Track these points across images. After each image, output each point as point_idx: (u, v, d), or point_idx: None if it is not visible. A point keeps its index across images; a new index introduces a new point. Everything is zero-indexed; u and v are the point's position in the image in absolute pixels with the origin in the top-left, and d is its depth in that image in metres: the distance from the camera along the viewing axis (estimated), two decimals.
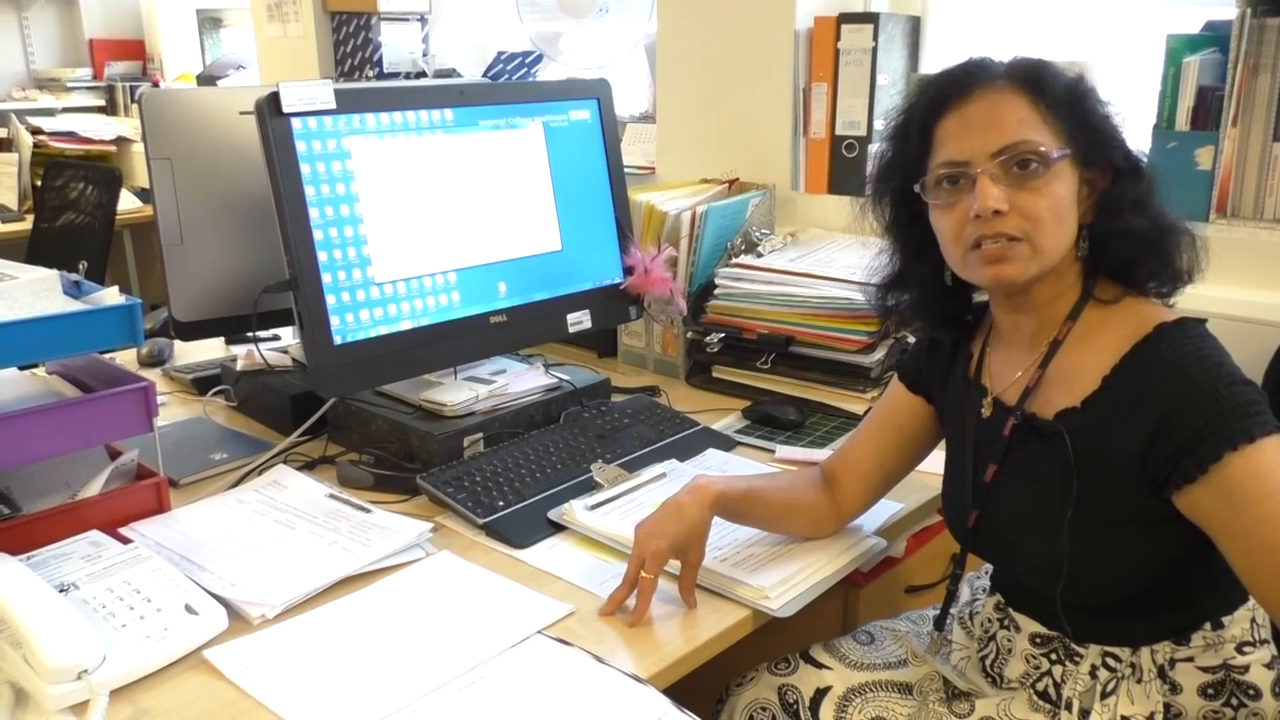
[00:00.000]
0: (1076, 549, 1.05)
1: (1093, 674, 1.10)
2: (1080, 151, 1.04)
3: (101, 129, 4.51)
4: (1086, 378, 1.06)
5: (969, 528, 1.17)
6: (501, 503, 1.35)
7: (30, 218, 4.07)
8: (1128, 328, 1.05)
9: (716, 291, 1.82)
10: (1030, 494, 1.11)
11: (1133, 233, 1.05)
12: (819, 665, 1.26)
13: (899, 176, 1.13)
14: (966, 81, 1.06)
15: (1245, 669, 1.06)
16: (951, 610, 1.27)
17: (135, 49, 4.82)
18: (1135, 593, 1.07)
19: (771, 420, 1.68)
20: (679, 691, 1.03)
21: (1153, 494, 1.01)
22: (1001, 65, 1.07)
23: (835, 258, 1.85)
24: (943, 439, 1.28)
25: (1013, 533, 1.13)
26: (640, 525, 1.17)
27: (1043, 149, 1.02)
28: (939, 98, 1.08)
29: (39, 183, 4.12)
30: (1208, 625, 1.07)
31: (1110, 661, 1.09)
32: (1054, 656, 1.13)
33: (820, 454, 1.55)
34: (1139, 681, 1.08)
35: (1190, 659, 1.07)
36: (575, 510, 1.33)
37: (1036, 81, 1.04)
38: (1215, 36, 1.66)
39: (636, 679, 1.01)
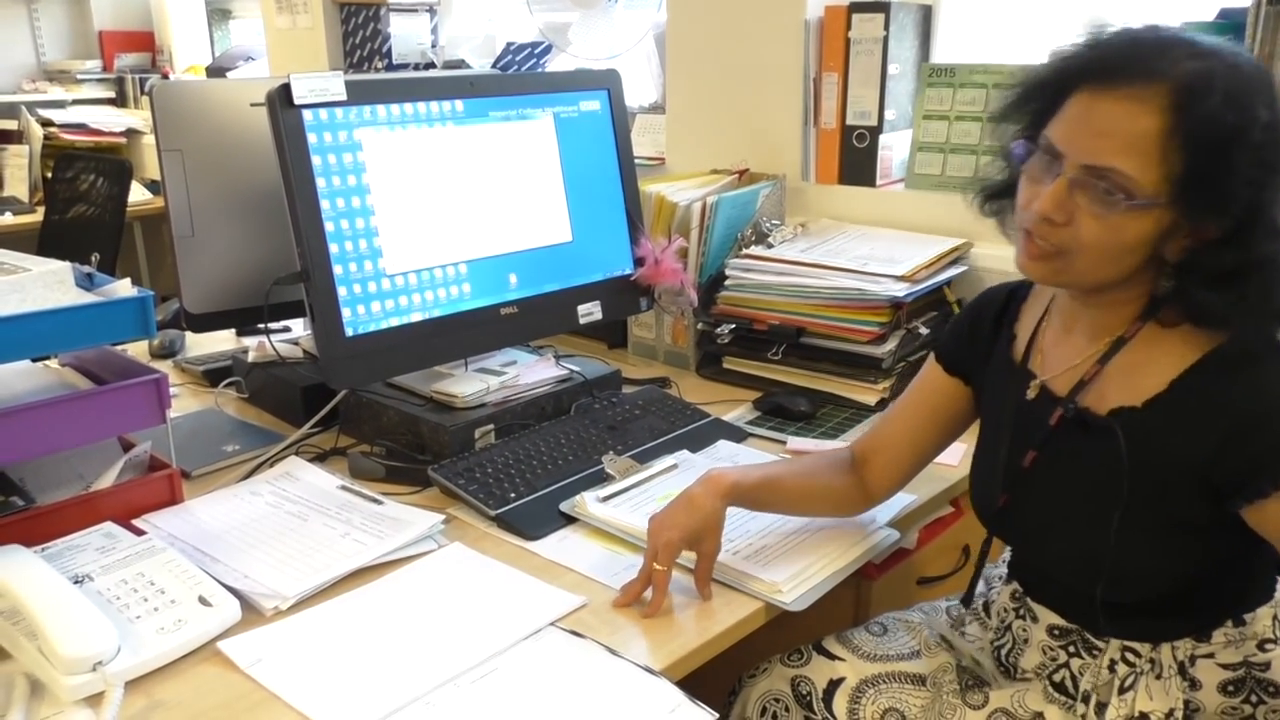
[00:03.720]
0: (1121, 549, 1.03)
1: (1111, 668, 1.09)
2: (1185, 203, 0.94)
3: (111, 121, 4.52)
4: (1151, 378, 1.02)
5: (997, 510, 1.15)
6: (513, 494, 1.35)
7: (41, 210, 4.07)
8: (1202, 333, 1.01)
9: (727, 282, 1.82)
10: (1071, 487, 1.08)
11: (1207, 301, 0.98)
12: (832, 656, 1.26)
13: (1019, 120, 1.07)
14: (1121, 67, 0.96)
15: (1266, 666, 1.06)
16: (977, 590, 1.26)
17: (145, 41, 4.82)
18: (1173, 593, 1.06)
19: (783, 411, 1.68)
20: (691, 683, 1.03)
21: (1211, 503, 0.99)
22: (1170, 67, 0.94)
23: (846, 248, 1.84)
24: (976, 421, 1.26)
25: (1046, 522, 1.11)
26: (653, 518, 1.17)
27: (1130, 188, 0.94)
28: (1090, 67, 0.98)
29: (49, 175, 4.12)
30: (1229, 622, 1.06)
31: (1130, 656, 1.08)
32: (1072, 649, 1.13)
33: (832, 445, 1.54)
34: (1158, 677, 1.07)
35: (1211, 655, 1.06)
36: (587, 502, 1.33)
37: (1190, 108, 0.92)
38: (1230, 24, 1.64)
39: (649, 671, 1.01)
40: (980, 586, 1.29)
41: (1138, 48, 0.98)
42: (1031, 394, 1.12)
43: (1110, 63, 0.97)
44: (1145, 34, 0.99)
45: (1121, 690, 1.08)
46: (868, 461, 1.29)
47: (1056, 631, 1.14)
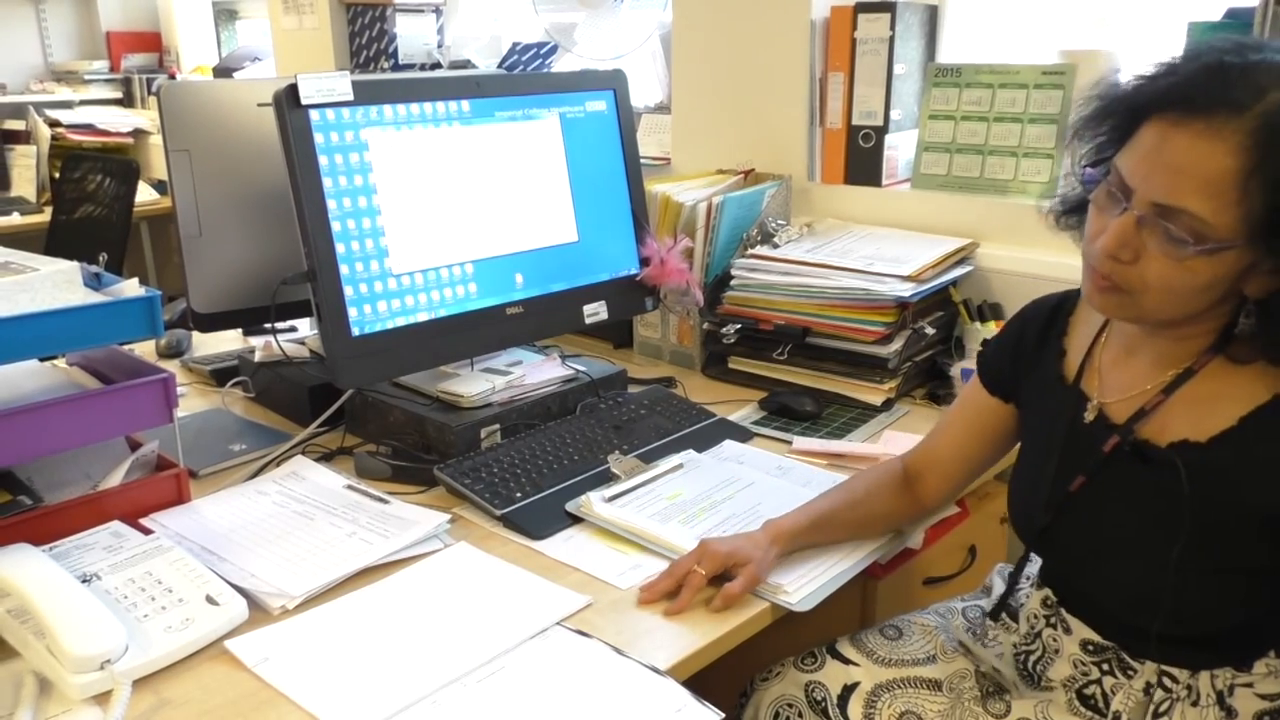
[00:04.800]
0: (1180, 585, 1.01)
1: (1147, 691, 1.07)
2: (1264, 243, 0.91)
3: (119, 121, 4.53)
4: (1219, 414, 0.99)
5: (1039, 531, 1.13)
6: (519, 494, 1.35)
7: (49, 210, 4.09)
8: (1273, 370, 0.98)
9: (733, 282, 1.82)
10: (1123, 517, 1.06)
11: None
12: (846, 660, 1.25)
13: (1095, 137, 1.02)
14: (1201, 98, 0.90)
15: None
16: (1009, 600, 1.25)
17: (152, 41, 4.84)
18: (1223, 627, 1.04)
19: (788, 411, 1.68)
20: (701, 683, 1.03)
21: (1276, 544, 0.97)
22: (1255, 99, 0.88)
23: (852, 248, 1.84)
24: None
25: (1094, 550, 1.09)
26: (708, 537, 1.18)
27: (1203, 232, 0.90)
28: (1167, 95, 0.93)
29: (57, 175, 4.14)
30: (1272, 652, 1.05)
31: (1167, 682, 1.06)
32: (1105, 667, 1.10)
33: (837, 445, 1.54)
34: (1194, 705, 1.05)
35: (1250, 685, 1.04)
36: (593, 502, 1.33)
37: (1272, 145, 0.88)
38: (1237, 24, 1.64)
39: (655, 670, 1.02)
40: (1000, 585, 1.28)
41: (1221, 75, 0.91)
42: (1090, 416, 1.10)
43: (1189, 91, 0.91)
44: (1232, 59, 0.92)
45: (1156, 715, 1.06)
46: (921, 478, 1.30)
47: (1091, 647, 1.11)
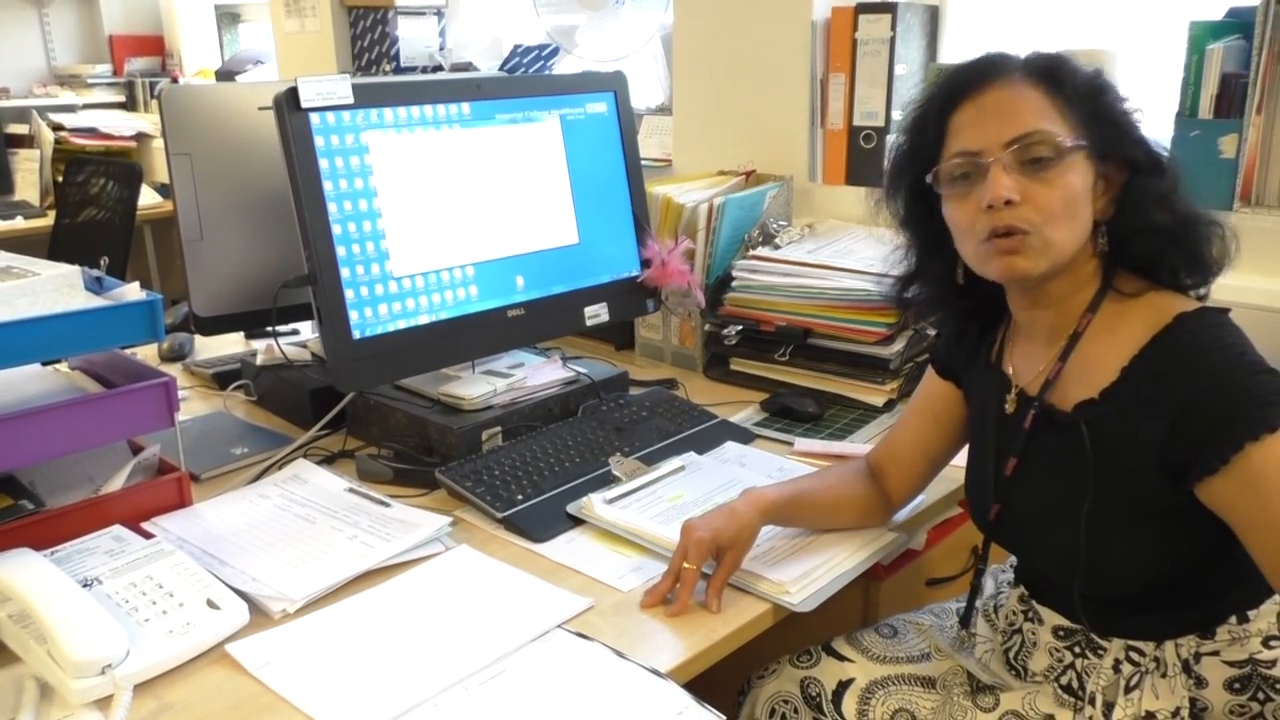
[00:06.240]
0: (1095, 541, 1.05)
1: (1116, 668, 1.09)
2: (1097, 145, 1.03)
3: (122, 125, 4.53)
4: (1105, 369, 1.05)
5: (991, 521, 1.16)
6: (520, 496, 1.35)
7: (52, 213, 4.09)
8: (1147, 319, 1.04)
9: (734, 283, 1.81)
10: (1049, 486, 1.10)
11: (1157, 228, 1.04)
12: (841, 658, 1.26)
13: (914, 169, 1.12)
14: (984, 72, 1.06)
15: (1272, 664, 1.06)
16: (976, 604, 1.26)
17: (155, 45, 4.84)
18: (1157, 586, 1.06)
19: (790, 412, 1.68)
20: (700, 684, 1.03)
21: (1174, 486, 1.00)
22: (1019, 59, 1.07)
23: (853, 249, 1.84)
24: None
25: (1032, 525, 1.13)
26: (688, 520, 1.18)
27: (1057, 138, 1.01)
28: (956, 87, 1.07)
29: (60, 179, 4.14)
30: (1233, 619, 1.06)
31: (1134, 655, 1.08)
32: (1076, 649, 1.13)
33: (839, 446, 1.54)
34: (1163, 676, 1.07)
35: (1215, 653, 1.06)
36: (594, 504, 1.33)
37: (1054, 74, 1.04)
38: (1239, 23, 1.64)
39: (656, 673, 1.01)
40: (990, 588, 1.29)
41: (980, 59, 1.08)
42: (1010, 408, 1.15)
43: (971, 73, 1.07)
44: (972, 57, 1.10)
45: (1127, 690, 1.08)
46: (884, 471, 1.31)
47: (1062, 632, 1.14)
